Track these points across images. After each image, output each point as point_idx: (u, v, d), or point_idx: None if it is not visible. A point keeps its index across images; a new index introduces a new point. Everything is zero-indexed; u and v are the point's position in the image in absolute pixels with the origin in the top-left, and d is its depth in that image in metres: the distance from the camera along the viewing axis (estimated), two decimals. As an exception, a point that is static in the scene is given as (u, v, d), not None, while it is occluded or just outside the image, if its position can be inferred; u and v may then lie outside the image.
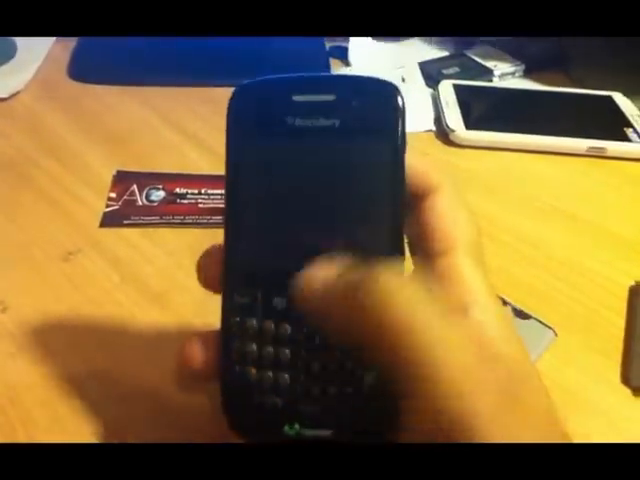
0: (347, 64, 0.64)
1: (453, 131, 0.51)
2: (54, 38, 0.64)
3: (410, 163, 0.24)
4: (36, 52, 0.61)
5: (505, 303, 0.35)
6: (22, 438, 0.28)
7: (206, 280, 0.26)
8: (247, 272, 0.24)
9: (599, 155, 0.50)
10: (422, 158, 0.25)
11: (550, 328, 0.34)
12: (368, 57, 0.65)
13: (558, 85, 0.59)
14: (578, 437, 0.27)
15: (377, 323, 0.19)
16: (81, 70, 0.59)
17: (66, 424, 0.29)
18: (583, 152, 0.50)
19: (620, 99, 0.56)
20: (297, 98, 0.24)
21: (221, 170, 0.46)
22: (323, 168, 0.24)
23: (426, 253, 0.23)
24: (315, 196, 0.24)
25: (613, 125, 0.53)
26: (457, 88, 0.57)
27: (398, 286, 0.20)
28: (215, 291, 0.25)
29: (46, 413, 0.29)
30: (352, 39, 0.64)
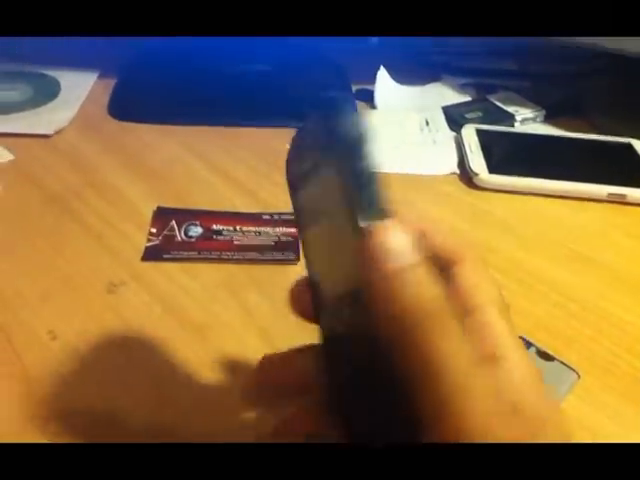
0: (373, 107, 0.67)
1: (477, 175, 0.53)
2: (95, 77, 0.67)
3: (439, 238, 0.25)
4: (78, 91, 0.64)
5: (529, 345, 0.36)
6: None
7: (300, 310, 0.28)
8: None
9: (619, 201, 0.51)
10: (449, 233, 0.26)
11: (573, 370, 0.35)
12: (393, 100, 0.67)
13: (577, 131, 0.61)
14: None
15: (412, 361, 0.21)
16: (121, 109, 0.62)
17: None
18: (604, 198, 0.52)
19: (639, 146, 0.58)
20: None
21: (254, 208, 0.49)
22: None
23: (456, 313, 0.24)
24: None
25: (633, 171, 0.54)
26: (480, 132, 0.59)
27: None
28: (309, 319, 0.27)
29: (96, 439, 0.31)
30: (377, 83, 0.67)
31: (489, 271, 0.26)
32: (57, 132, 0.58)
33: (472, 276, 0.25)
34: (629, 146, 0.58)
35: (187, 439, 0.31)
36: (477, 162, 0.54)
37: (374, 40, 0.65)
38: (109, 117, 0.62)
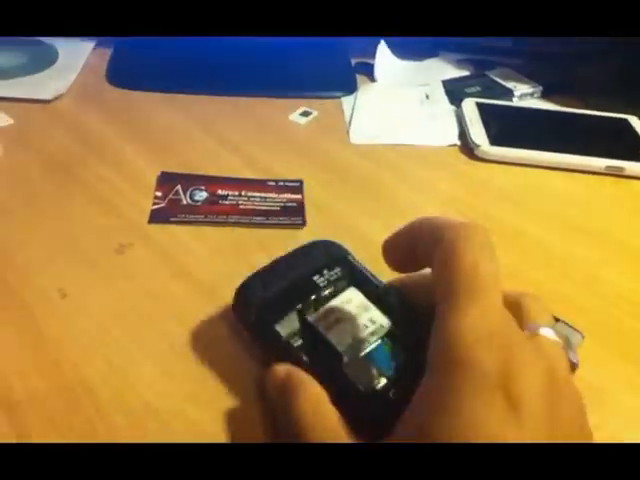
0: (372, 80, 0.67)
1: (478, 146, 0.53)
2: (92, 45, 0.67)
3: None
4: (76, 58, 0.64)
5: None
6: (92, 415, 0.30)
7: (392, 262, 0.29)
8: None
9: (617, 174, 0.52)
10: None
11: (578, 331, 0.36)
12: (393, 74, 0.67)
13: (573, 107, 0.62)
14: (604, 435, 0.29)
15: None
16: (120, 77, 0.62)
17: (126, 400, 0.30)
18: (602, 171, 0.52)
19: (636, 122, 0.59)
20: None
21: (259, 175, 0.49)
22: None
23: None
24: None
25: (630, 146, 0.55)
26: (480, 106, 0.59)
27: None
28: (400, 271, 0.29)
29: (108, 390, 0.31)
30: (377, 57, 0.67)
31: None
32: (56, 98, 0.57)
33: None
34: (626, 122, 0.59)
35: (196, 396, 0.31)
36: (478, 134, 0.54)
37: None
38: (108, 85, 0.61)
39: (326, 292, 0.32)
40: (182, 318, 0.35)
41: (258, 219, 0.44)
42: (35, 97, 0.56)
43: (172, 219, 0.43)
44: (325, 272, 0.33)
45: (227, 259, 0.40)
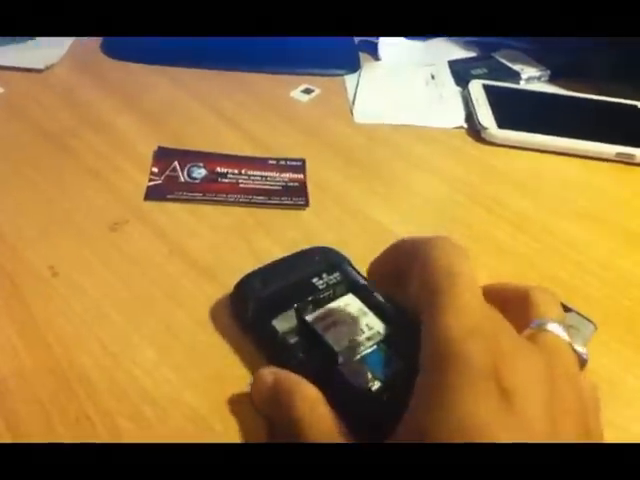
0: (377, 59, 0.65)
1: (486, 129, 0.52)
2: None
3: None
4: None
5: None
6: (84, 399, 0.28)
7: (379, 282, 0.30)
8: None
9: (627, 161, 0.51)
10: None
11: (590, 321, 0.35)
12: (398, 53, 0.65)
13: (582, 92, 0.61)
14: (615, 425, 0.28)
15: None
16: (115, 47, 0.59)
17: (120, 384, 0.29)
18: (612, 157, 0.51)
19: (646, 108, 0.57)
20: None
21: (260, 153, 0.47)
22: None
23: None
24: None
25: (640, 133, 0.54)
26: (487, 88, 0.58)
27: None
28: (388, 291, 0.30)
29: (101, 374, 0.29)
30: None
31: None
32: (48, 68, 0.55)
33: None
34: (636, 108, 0.58)
35: (194, 382, 0.30)
36: (486, 116, 0.53)
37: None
38: (103, 56, 0.59)
39: (324, 294, 0.32)
40: (180, 300, 0.34)
41: (259, 199, 0.42)
42: (26, 66, 0.54)
43: (169, 196, 0.41)
44: (324, 276, 0.33)
45: (226, 239, 0.38)
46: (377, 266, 0.29)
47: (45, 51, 0.56)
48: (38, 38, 0.58)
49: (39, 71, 0.54)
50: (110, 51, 0.59)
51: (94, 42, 0.60)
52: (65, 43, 0.58)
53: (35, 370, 0.29)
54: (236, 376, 0.30)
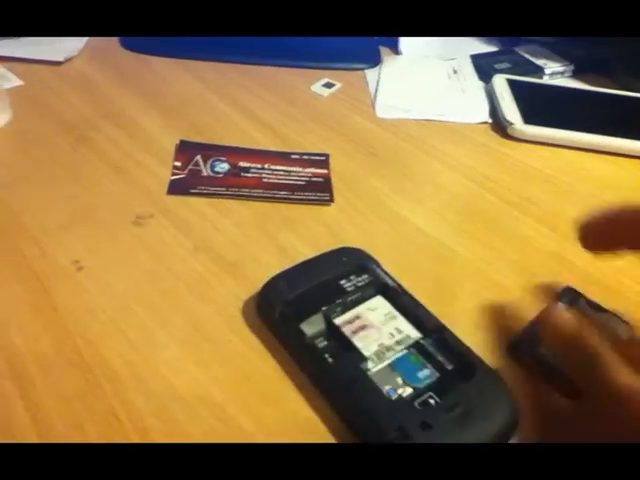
0: (397, 53, 0.64)
1: (512, 124, 0.51)
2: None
3: None
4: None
5: (578, 296, 0.35)
6: (111, 397, 0.28)
7: (588, 242, 0.30)
8: None
9: (656, 158, 0.50)
10: None
11: (626, 323, 0.34)
12: (419, 47, 0.64)
13: (605, 88, 0.59)
14: None
15: None
16: (133, 40, 0.59)
17: (147, 381, 0.28)
18: (639, 154, 0.50)
19: (673, 105, 0.56)
20: None
21: (282, 147, 0.46)
22: None
23: None
24: None
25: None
26: (512, 83, 0.57)
27: None
28: (595, 251, 0.30)
29: (128, 370, 0.29)
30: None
31: None
32: (67, 60, 0.54)
33: None
34: (661, 104, 0.57)
35: (220, 380, 0.29)
36: (511, 112, 0.52)
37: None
38: (121, 48, 0.58)
39: (353, 297, 0.31)
40: (206, 296, 0.33)
41: (282, 194, 0.41)
42: (46, 58, 0.53)
43: (192, 191, 0.40)
44: (352, 277, 0.32)
45: (251, 235, 0.38)
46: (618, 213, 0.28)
47: (64, 44, 0.56)
48: (57, 31, 0.58)
49: (58, 64, 0.54)
50: (129, 44, 0.59)
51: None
52: (85, 35, 0.58)
53: (61, 366, 0.29)
54: (264, 374, 0.29)
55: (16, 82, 0.50)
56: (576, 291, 0.35)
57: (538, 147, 0.50)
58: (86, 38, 0.58)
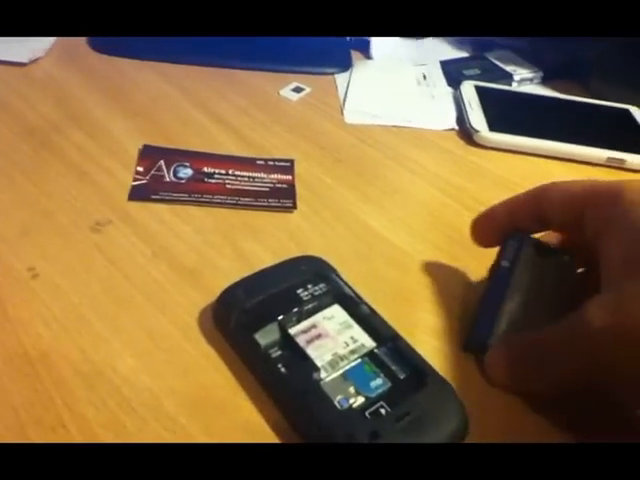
0: (368, 57, 0.64)
1: (477, 132, 0.51)
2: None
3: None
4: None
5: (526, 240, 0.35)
6: (60, 407, 0.27)
7: (479, 239, 0.36)
8: None
9: (618, 166, 0.51)
10: None
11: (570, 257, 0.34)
12: (389, 51, 0.65)
13: (574, 95, 0.60)
14: None
15: None
16: (103, 42, 0.58)
17: (99, 392, 0.28)
18: (603, 162, 0.51)
19: (637, 113, 0.57)
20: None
21: (248, 152, 0.46)
22: None
23: None
24: None
25: (631, 138, 0.54)
26: (479, 89, 0.57)
27: None
28: (486, 246, 0.35)
29: (80, 381, 0.29)
30: (374, 33, 0.64)
31: None
32: (32, 61, 0.54)
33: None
34: (627, 112, 0.58)
35: (174, 390, 0.29)
36: (477, 119, 0.52)
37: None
38: (91, 50, 0.58)
39: (309, 306, 0.31)
40: (162, 304, 0.33)
41: (245, 200, 0.41)
42: (10, 59, 0.52)
43: (153, 197, 0.40)
44: (310, 286, 0.32)
45: (211, 242, 0.38)
46: (514, 204, 0.33)
47: (30, 44, 0.55)
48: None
49: (23, 65, 0.53)
50: (97, 45, 0.58)
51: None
52: (51, 36, 0.57)
53: (11, 375, 0.28)
54: (218, 385, 0.29)
55: (-22, 83, 0.50)
56: (522, 237, 0.35)
57: (504, 155, 0.51)
58: (53, 38, 0.57)
